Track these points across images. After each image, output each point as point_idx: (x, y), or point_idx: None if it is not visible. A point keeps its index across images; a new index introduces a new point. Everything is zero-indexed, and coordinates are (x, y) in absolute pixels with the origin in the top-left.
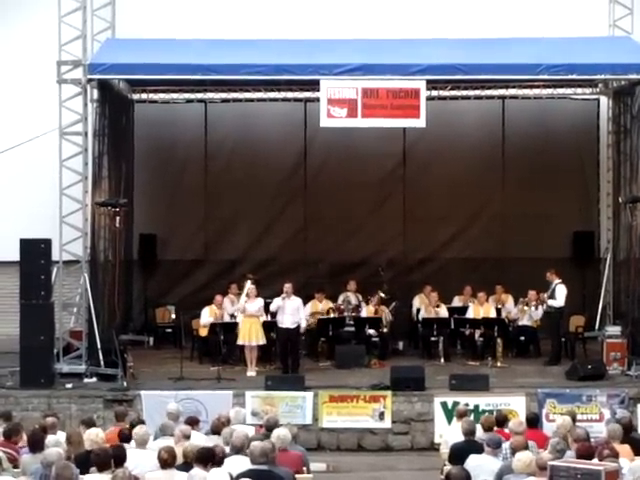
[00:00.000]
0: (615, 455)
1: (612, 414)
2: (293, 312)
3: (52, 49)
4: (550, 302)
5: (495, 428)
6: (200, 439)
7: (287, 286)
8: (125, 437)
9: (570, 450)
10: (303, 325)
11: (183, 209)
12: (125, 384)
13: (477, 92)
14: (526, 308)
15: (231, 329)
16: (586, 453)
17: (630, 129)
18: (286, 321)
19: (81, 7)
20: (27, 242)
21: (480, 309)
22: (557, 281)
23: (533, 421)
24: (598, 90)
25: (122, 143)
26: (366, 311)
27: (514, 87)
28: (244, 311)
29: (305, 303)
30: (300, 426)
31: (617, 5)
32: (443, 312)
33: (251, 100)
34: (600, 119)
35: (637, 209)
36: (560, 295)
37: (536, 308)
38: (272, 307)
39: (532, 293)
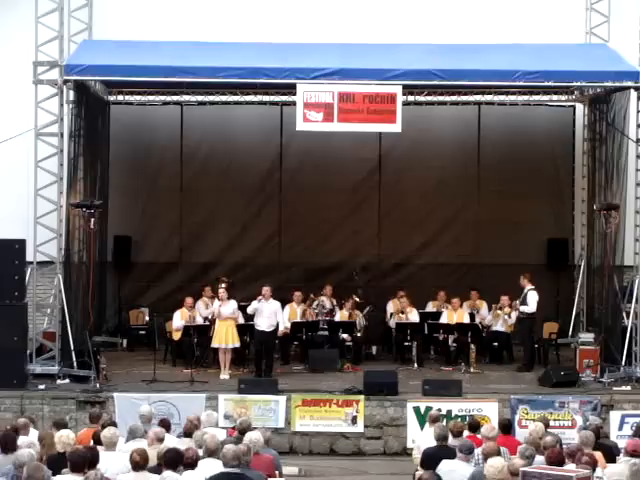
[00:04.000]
0: (594, 462)
1: (584, 421)
2: (270, 315)
3: (28, 50)
4: (522, 308)
5: (467, 434)
6: (172, 442)
7: (265, 289)
8: (99, 439)
9: (542, 456)
10: (281, 328)
11: (158, 211)
12: (98, 386)
13: (453, 98)
14: (499, 312)
15: (204, 332)
16: (556, 459)
17: (605, 136)
18: (262, 324)
19: (58, 8)
20: (1, 242)
21: (454, 314)
22: (529, 287)
23: (506, 427)
24: (574, 97)
25: (98, 145)
26: (340, 315)
27: (490, 93)
28: (219, 315)
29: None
30: (273, 429)
31: (594, 13)
32: (414, 317)
33: (227, 103)
34: (576, 126)
35: (611, 216)
36: (531, 301)
37: (509, 316)
38: (249, 310)
39: (504, 298)
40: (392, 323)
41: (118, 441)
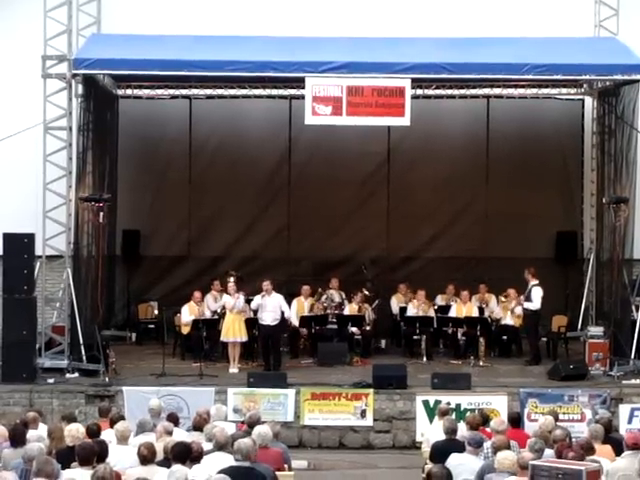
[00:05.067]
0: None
1: (594, 414)
2: (274, 309)
3: (37, 44)
4: (526, 305)
5: None
6: (181, 435)
7: (266, 283)
8: (93, 432)
9: (551, 450)
10: (287, 315)
11: (167, 205)
12: (107, 380)
13: (462, 91)
14: (504, 299)
15: (213, 326)
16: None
17: (614, 130)
18: (267, 318)
19: (67, 2)
20: (10, 236)
21: (463, 308)
22: (533, 282)
23: (515, 420)
24: (583, 90)
25: (106, 138)
26: (349, 309)
27: (499, 87)
28: (234, 309)
29: (288, 301)
30: (282, 423)
31: (603, 6)
32: (430, 311)
33: (236, 97)
34: (585, 119)
35: (620, 210)
36: (536, 297)
37: (512, 311)
38: (253, 305)
39: (512, 291)
40: (411, 312)
41: (130, 435)
